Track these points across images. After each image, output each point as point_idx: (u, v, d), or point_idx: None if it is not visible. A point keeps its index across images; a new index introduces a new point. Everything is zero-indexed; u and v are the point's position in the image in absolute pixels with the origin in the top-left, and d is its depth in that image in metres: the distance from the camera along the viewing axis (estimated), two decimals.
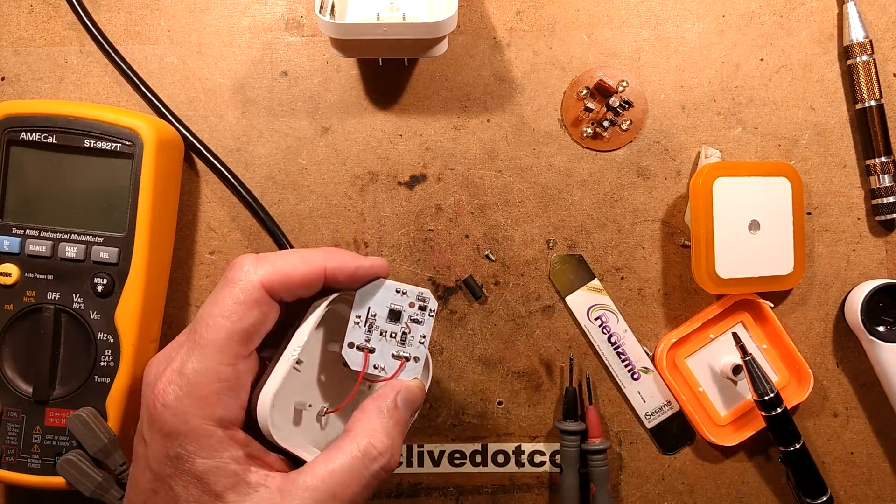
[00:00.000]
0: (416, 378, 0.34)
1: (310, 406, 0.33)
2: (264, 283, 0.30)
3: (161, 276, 0.41)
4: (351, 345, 0.32)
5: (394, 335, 0.33)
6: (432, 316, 0.34)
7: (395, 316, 0.33)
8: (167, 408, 0.29)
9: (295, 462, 0.31)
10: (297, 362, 0.32)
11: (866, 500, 0.44)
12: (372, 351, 0.33)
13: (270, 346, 0.32)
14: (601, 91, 0.43)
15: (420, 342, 0.33)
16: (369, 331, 0.33)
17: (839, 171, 0.44)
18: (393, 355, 0.33)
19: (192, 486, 0.29)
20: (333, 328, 0.34)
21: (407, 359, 0.33)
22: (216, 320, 0.30)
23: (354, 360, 0.32)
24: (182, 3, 0.44)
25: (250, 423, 0.31)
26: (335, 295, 0.32)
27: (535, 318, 0.44)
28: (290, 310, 0.33)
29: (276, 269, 0.31)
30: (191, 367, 0.29)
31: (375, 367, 0.33)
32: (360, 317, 0.33)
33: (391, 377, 0.33)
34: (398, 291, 0.33)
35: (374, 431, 0.31)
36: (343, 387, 0.35)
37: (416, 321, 0.33)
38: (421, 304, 0.33)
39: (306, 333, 0.31)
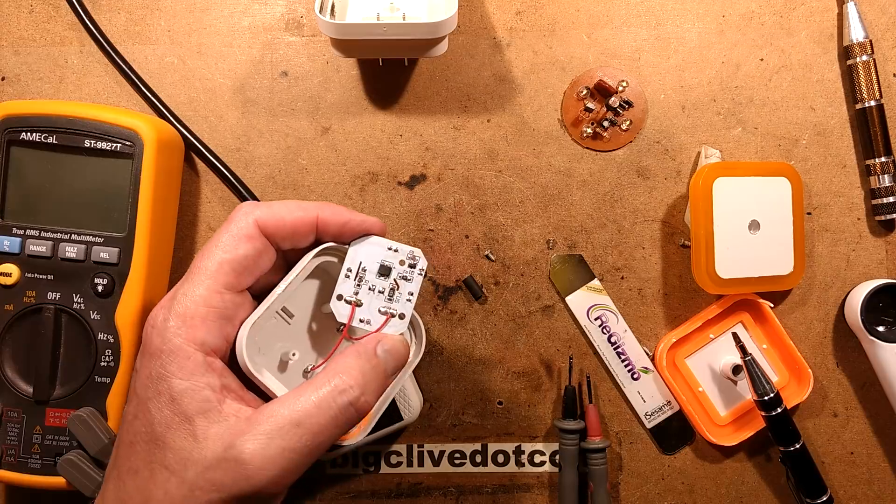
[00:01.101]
0: (400, 334, 0.34)
1: (293, 355, 0.34)
2: (258, 222, 0.32)
3: (161, 276, 0.41)
4: (339, 297, 0.33)
5: (382, 290, 0.34)
6: (422, 274, 0.34)
7: (384, 271, 0.34)
8: (154, 328, 0.30)
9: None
10: (289, 315, 0.34)
11: (866, 500, 0.44)
12: (359, 304, 0.33)
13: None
14: (601, 91, 0.43)
15: (407, 299, 0.34)
16: (358, 284, 0.33)
17: (839, 171, 0.44)
18: (380, 311, 0.34)
19: (166, 406, 0.29)
20: (329, 290, 0.35)
21: (393, 314, 0.34)
22: (210, 250, 0.31)
23: (342, 311, 0.33)
24: (182, 3, 0.44)
25: (236, 367, 0.31)
26: (326, 245, 0.33)
27: (535, 318, 0.44)
28: (290, 265, 0.34)
29: (271, 210, 0.32)
30: (181, 291, 0.30)
31: (361, 321, 0.33)
32: (350, 270, 0.33)
33: (376, 331, 0.33)
34: (390, 248, 0.34)
35: (348, 369, 0.31)
36: (325, 336, 0.36)
37: (404, 278, 0.34)
38: (411, 262, 0.34)
39: (295, 274, 0.32)
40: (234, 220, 0.32)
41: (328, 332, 0.36)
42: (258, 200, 0.43)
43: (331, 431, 0.30)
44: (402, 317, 0.34)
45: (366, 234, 0.34)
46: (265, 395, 0.31)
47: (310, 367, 0.35)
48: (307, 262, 0.33)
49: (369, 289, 0.33)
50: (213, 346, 0.30)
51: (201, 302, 0.30)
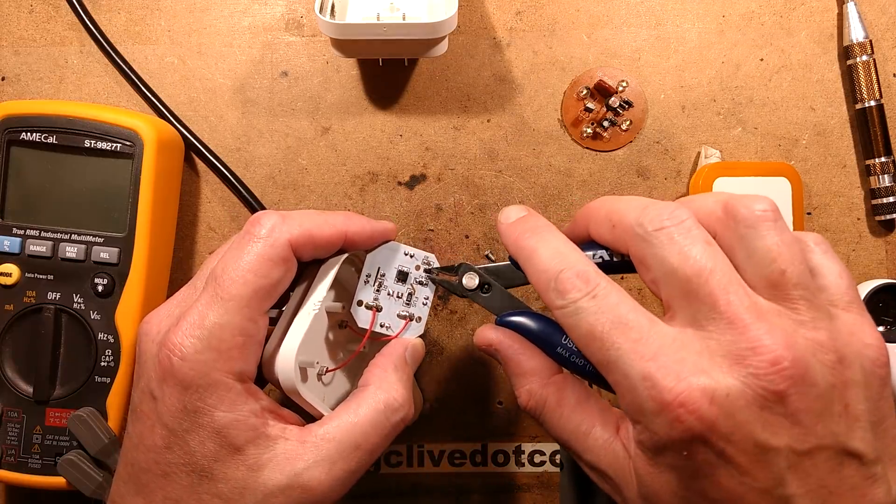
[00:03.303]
0: (418, 337, 0.35)
1: (317, 363, 0.34)
2: (291, 242, 0.30)
3: (161, 277, 0.41)
4: (360, 303, 0.34)
5: (400, 295, 0.34)
6: (437, 279, 0.35)
7: (402, 277, 0.34)
8: (186, 361, 0.28)
9: (306, 417, 0.32)
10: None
11: None
12: (379, 310, 0.34)
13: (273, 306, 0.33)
14: (601, 91, 0.43)
15: (423, 303, 0.35)
16: (377, 290, 0.34)
17: (839, 171, 0.44)
18: (398, 315, 0.34)
19: (210, 440, 0.28)
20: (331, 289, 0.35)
21: (411, 318, 0.35)
22: (242, 275, 0.29)
23: (363, 317, 0.34)
24: (182, 3, 0.44)
25: (258, 381, 0.31)
26: (346, 255, 0.33)
27: None
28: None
29: (303, 228, 0.30)
30: (213, 320, 0.28)
31: (381, 326, 0.34)
32: (370, 276, 0.34)
33: (396, 335, 0.34)
34: (406, 254, 0.34)
35: (393, 384, 0.32)
36: (337, 343, 0.36)
37: (421, 283, 0.35)
38: (426, 266, 0.35)
39: (325, 289, 0.32)
40: (263, 238, 0.30)
41: (333, 329, 0.36)
42: (258, 200, 0.43)
43: (383, 447, 0.31)
44: (418, 320, 0.35)
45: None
46: (296, 406, 0.31)
47: (324, 371, 0.34)
48: (333, 273, 0.32)
49: (388, 294, 0.34)
50: (249, 373, 0.30)
51: (238, 332, 0.29)
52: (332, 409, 0.34)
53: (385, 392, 0.31)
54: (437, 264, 0.35)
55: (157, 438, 0.29)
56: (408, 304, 0.35)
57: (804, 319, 0.24)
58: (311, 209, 0.43)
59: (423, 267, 0.35)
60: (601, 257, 0.29)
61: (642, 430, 0.25)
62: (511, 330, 0.31)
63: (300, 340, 0.30)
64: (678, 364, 0.24)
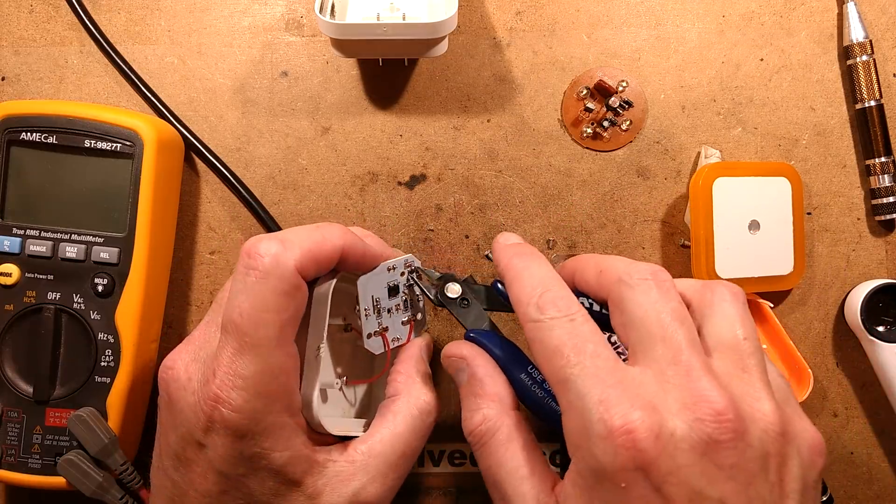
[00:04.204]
0: (424, 331, 0.36)
1: (336, 383, 0.35)
2: (299, 269, 0.29)
3: (161, 276, 0.41)
4: (369, 335, 0.34)
5: (398, 307, 0.35)
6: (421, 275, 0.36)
7: (394, 291, 0.35)
8: (237, 412, 0.28)
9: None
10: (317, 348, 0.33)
11: (866, 500, 0.44)
12: (386, 330, 0.34)
13: None
14: (601, 91, 0.43)
15: (419, 300, 0.36)
16: (378, 315, 0.34)
17: (839, 171, 0.44)
18: (402, 322, 0.35)
19: (269, 479, 0.29)
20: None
21: (414, 319, 0.36)
22: (263, 316, 0.28)
23: (376, 346, 0.34)
24: (182, 3, 0.44)
25: None
26: (335, 280, 0.32)
27: None
28: None
29: (304, 250, 0.29)
30: (251, 368, 0.28)
31: (393, 340, 0.35)
32: (367, 308, 0.34)
33: (407, 341, 0.36)
34: (389, 269, 0.34)
35: (420, 389, 0.33)
36: (345, 350, 0.36)
37: (410, 286, 0.35)
38: (409, 269, 0.35)
39: (324, 327, 0.31)
40: (270, 272, 0.28)
41: (337, 337, 0.36)
42: (258, 200, 0.43)
43: (422, 447, 0.33)
44: (420, 316, 0.36)
45: None
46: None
47: (340, 385, 0.35)
48: (328, 304, 0.32)
49: (388, 312, 0.34)
50: (297, 402, 0.30)
51: (278, 372, 0.29)
52: (357, 416, 0.36)
53: (415, 398, 0.33)
54: (418, 263, 0.35)
55: (211, 485, 0.29)
56: (406, 310, 0.35)
57: (755, 387, 0.26)
58: (302, 225, 0.43)
59: (407, 273, 0.35)
60: (582, 303, 0.30)
61: (583, 458, 0.25)
62: (479, 347, 0.32)
63: (317, 388, 0.31)
64: (633, 397, 0.25)
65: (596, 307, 0.31)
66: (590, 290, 0.31)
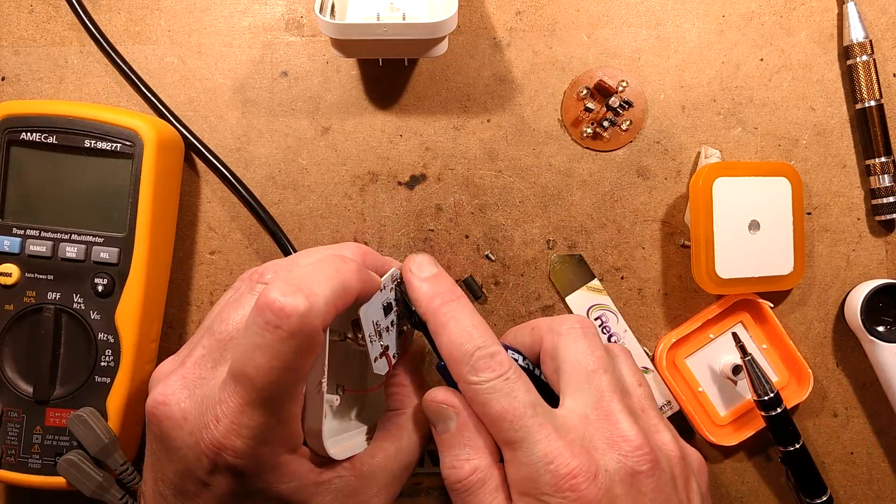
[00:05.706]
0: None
1: (336, 399, 0.34)
2: (323, 327, 0.28)
3: (161, 277, 0.41)
4: (375, 359, 0.33)
5: (394, 323, 0.35)
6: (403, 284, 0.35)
7: (388, 310, 0.34)
8: (242, 457, 0.28)
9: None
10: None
11: (866, 500, 0.44)
12: (387, 348, 0.34)
13: None
14: (601, 91, 0.43)
15: (408, 307, 0.35)
16: (380, 337, 0.33)
17: (839, 171, 0.44)
18: (397, 335, 0.35)
19: None
20: None
21: (406, 328, 0.36)
22: (281, 375, 0.27)
23: (382, 367, 0.34)
24: (182, 3, 0.44)
25: None
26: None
27: (536, 318, 0.44)
28: None
29: (329, 306, 0.28)
30: (257, 420, 0.27)
31: (395, 356, 0.35)
32: (371, 335, 0.33)
33: (405, 352, 0.36)
34: (381, 289, 0.34)
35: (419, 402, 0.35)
36: (335, 355, 0.35)
37: (398, 299, 0.35)
38: (397, 282, 0.35)
39: (325, 361, 0.30)
40: (297, 334, 0.26)
41: (336, 355, 0.35)
42: (258, 200, 0.43)
43: (421, 456, 0.35)
44: (410, 324, 0.35)
45: None
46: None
47: (339, 400, 0.34)
48: (327, 345, 0.30)
49: (386, 331, 0.34)
50: (297, 442, 0.30)
51: (286, 419, 0.28)
52: (355, 418, 0.36)
53: (417, 413, 0.34)
54: (398, 271, 0.35)
55: None
56: (401, 322, 0.35)
57: (654, 422, 0.32)
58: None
59: (394, 287, 0.34)
60: (511, 357, 0.32)
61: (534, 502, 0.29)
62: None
63: (326, 429, 0.30)
64: (569, 444, 0.29)
65: (521, 361, 0.34)
66: (523, 346, 0.35)
